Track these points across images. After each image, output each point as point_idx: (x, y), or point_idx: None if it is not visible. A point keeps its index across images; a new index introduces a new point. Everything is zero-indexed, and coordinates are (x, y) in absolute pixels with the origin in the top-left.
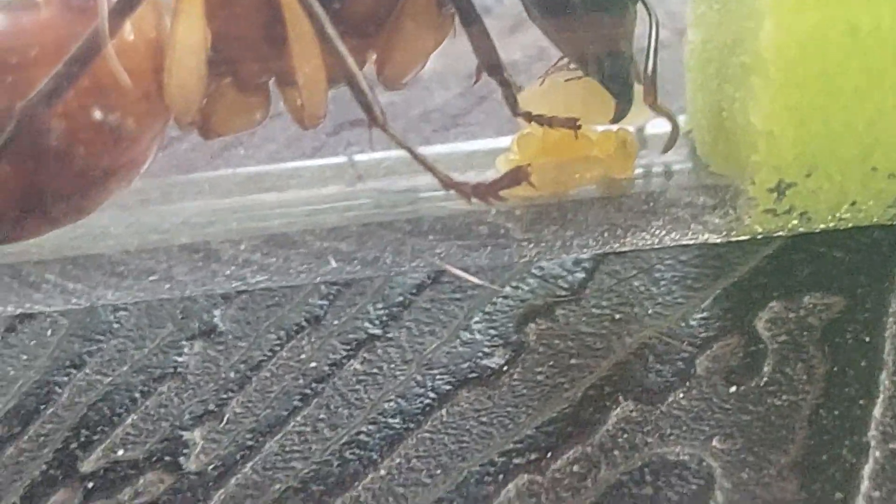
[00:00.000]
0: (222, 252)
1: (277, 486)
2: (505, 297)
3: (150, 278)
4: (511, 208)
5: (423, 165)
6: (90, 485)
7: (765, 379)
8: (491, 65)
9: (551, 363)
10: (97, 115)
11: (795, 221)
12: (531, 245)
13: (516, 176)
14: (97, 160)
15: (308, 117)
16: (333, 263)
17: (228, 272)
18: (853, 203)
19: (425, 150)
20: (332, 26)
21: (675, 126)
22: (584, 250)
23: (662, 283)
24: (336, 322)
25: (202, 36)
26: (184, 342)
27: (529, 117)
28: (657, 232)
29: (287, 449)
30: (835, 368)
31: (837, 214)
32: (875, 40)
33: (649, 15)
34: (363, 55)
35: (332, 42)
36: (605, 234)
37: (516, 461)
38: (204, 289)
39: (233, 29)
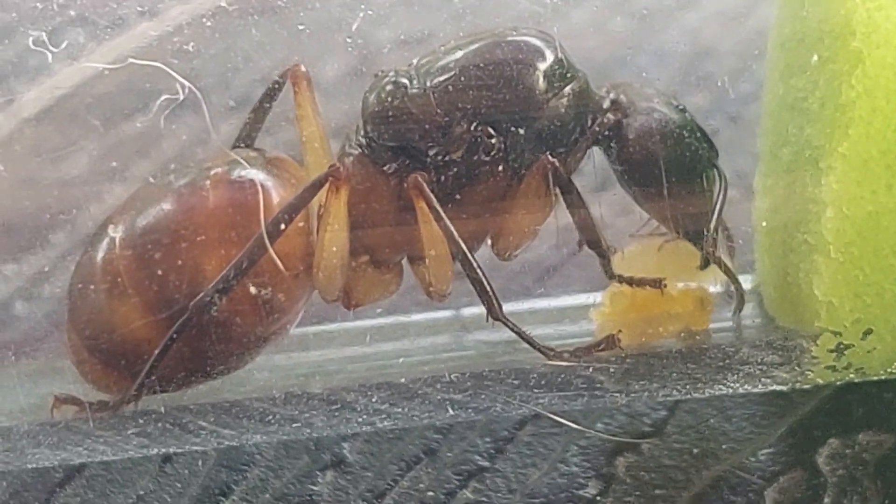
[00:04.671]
0: (356, 403)
1: None
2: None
3: (293, 425)
4: (604, 365)
5: (527, 343)
6: None
7: None
8: (591, 240)
9: (638, 493)
10: (253, 291)
11: (852, 375)
12: (622, 395)
13: (609, 343)
14: (252, 329)
15: (435, 293)
16: (451, 411)
17: (360, 419)
18: None
19: (525, 304)
20: (456, 231)
21: (740, 289)
22: (668, 398)
23: (734, 420)
24: (449, 454)
25: (346, 232)
26: (317, 472)
27: (621, 279)
28: (732, 384)
29: None
30: (886, 501)
31: (889, 369)
32: None
33: (719, 178)
34: (481, 236)
35: (457, 245)
36: (687, 386)
37: None
38: (338, 431)
39: (371, 222)
